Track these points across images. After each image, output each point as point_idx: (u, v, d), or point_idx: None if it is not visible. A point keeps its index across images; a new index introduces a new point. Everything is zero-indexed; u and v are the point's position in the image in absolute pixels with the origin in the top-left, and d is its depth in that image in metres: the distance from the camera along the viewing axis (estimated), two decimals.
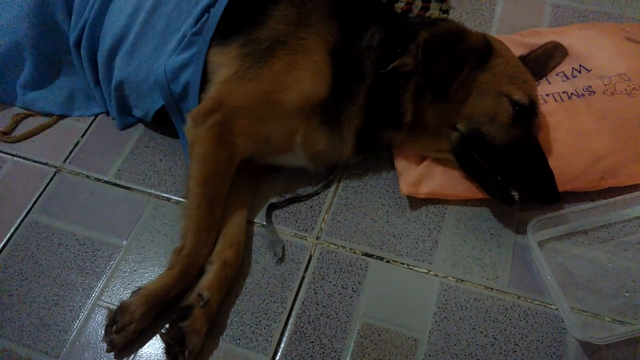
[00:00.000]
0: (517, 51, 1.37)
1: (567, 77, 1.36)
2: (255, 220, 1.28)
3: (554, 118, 1.29)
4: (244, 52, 1.20)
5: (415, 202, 1.29)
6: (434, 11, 1.62)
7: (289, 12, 1.23)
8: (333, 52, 1.20)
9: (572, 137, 1.26)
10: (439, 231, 1.25)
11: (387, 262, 1.20)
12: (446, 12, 1.64)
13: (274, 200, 1.31)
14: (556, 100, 1.32)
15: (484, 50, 1.16)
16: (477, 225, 1.25)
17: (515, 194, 1.16)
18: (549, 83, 1.36)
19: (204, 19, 1.27)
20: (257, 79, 1.18)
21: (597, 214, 1.22)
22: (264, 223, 1.27)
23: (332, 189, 1.33)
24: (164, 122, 1.38)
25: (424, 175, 1.26)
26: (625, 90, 1.28)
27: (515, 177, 1.15)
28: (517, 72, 1.19)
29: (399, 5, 1.64)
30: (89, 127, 1.49)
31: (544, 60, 1.38)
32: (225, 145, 1.18)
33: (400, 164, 1.30)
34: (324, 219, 1.28)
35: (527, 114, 1.16)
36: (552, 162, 1.18)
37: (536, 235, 1.19)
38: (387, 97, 1.21)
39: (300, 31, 1.21)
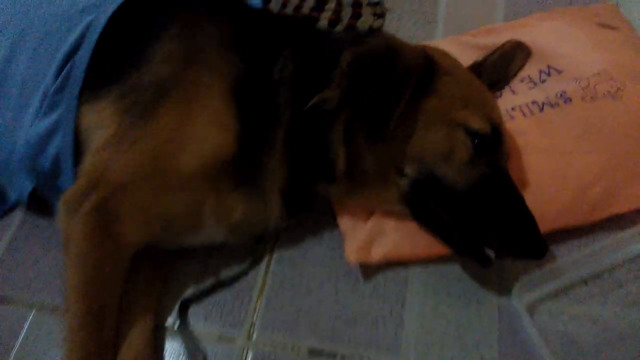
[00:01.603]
0: (469, 56, 1.10)
1: (534, 82, 1.09)
2: (166, 325, 0.99)
3: (525, 138, 1.02)
4: (123, 107, 0.92)
5: (369, 270, 1.01)
6: (367, 17, 1.35)
7: (175, 47, 0.95)
8: (237, 93, 0.92)
9: (550, 160, 0.99)
10: (402, 305, 0.98)
11: (342, 358, 0.92)
12: (381, 16, 1.36)
13: (189, 292, 1.02)
14: (525, 115, 1.05)
15: (426, 69, 0.89)
16: (449, 290, 0.98)
17: (490, 252, 0.89)
18: (514, 93, 1.09)
19: (66, 70, 0.97)
20: (141, 142, 0.90)
21: (598, 257, 0.96)
22: (178, 327, 0.98)
23: (263, 264, 1.05)
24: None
25: (374, 235, 0.99)
26: (609, 92, 1.02)
27: (485, 229, 0.88)
28: (471, 90, 0.93)
29: (326, 15, 1.37)
30: None
31: (503, 64, 1.11)
32: (108, 237, 0.89)
33: (344, 223, 1.02)
34: (255, 309, 0.99)
35: (491, 145, 0.89)
36: (529, 197, 0.92)
37: (525, 297, 0.93)
38: (312, 142, 0.94)
39: (191, 71, 0.94)
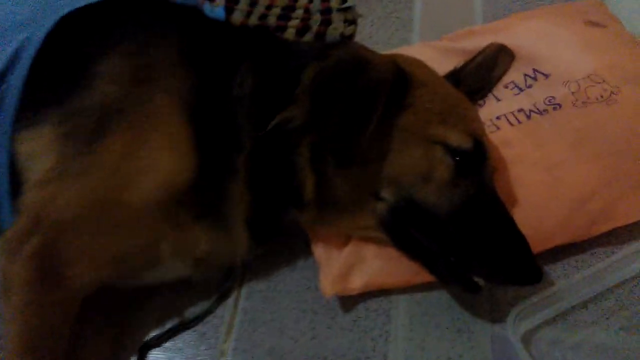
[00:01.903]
0: (448, 63, 1.02)
1: (519, 88, 1.01)
2: None
3: (513, 149, 0.94)
4: (64, 132, 0.81)
5: (348, 301, 0.92)
6: (337, 24, 1.26)
7: (123, 65, 0.85)
8: (193, 114, 0.83)
9: (543, 173, 0.91)
10: (386, 339, 0.88)
11: None
12: (353, 22, 1.28)
13: (149, 334, 0.92)
14: (512, 124, 0.97)
15: (398, 82, 0.80)
16: (437, 321, 0.89)
17: (479, 279, 0.80)
18: (498, 100, 1.01)
19: None
20: (86, 174, 0.79)
21: (599, 277, 0.88)
22: None
23: (231, 300, 0.95)
24: None
25: (352, 263, 0.90)
26: (601, 96, 0.93)
27: (473, 256, 0.79)
28: (450, 103, 0.84)
29: (294, 24, 1.28)
30: None
31: (485, 70, 1.03)
32: (54, 283, 0.78)
33: (319, 250, 0.93)
34: (223, 352, 0.90)
35: (474, 161, 0.81)
36: (520, 215, 0.84)
37: (521, 326, 0.84)
38: (277, 166, 0.84)
39: (141, 91, 0.83)
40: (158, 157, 0.81)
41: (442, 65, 1.00)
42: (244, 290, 0.96)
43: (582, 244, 0.92)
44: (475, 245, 0.79)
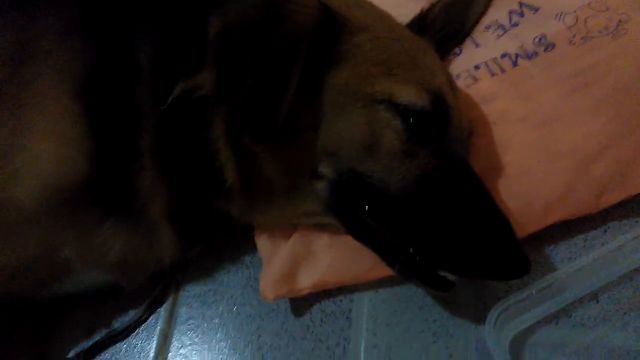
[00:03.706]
0: (412, 5, 0.83)
1: (503, 28, 0.81)
2: None
3: (495, 104, 0.75)
4: None
5: (300, 303, 0.76)
6: None
7: (8, 39, 0.72)
8: (86, 93, 0.68)
9: (534, 132, 0.72)
10: (344, 348, 0.72)
11: None
12: None
13: (76, 348, 0.79)
14: (493, 74, 0.78)
15: (326, 28, 0.62)
16: (407, 323, 0.72)
17: (449, 275, 0.63)
18: (477, 46, 0.82)
19: None
20: None
21: (610, 262, 0.68)
22: None
23: (167, 306, 0.80)
24: None
25: (299, 259, 0.74)
26: (606, 28, 0.73)
27: (437, 245, 0.61)
28: (399, 49, 0.66)
29: None
30: None
31: (459, 9, 0.84)
32: None
33: (263, 245, 0.78)
34: None
35: (433, 124, 0.63)
36: (510, 187, 0.68)
37: (506, 328, 0.66)
38: (189, 147, 0.69)
39: (27, 71, 0.70)
40: (43, 148, 0.68)
41: (411, 9, 0.82)
42: (181, 296, 0.81)
43: (591, 218, 0.72)
44: (439, 231, 0.61)
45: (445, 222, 0.61)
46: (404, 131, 0.62)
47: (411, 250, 0.63)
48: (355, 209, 0.66)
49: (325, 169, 0.65)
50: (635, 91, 0.69)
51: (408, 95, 0.62)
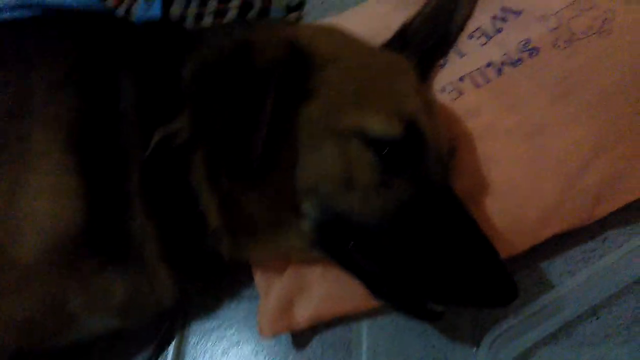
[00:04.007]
0: (400, 16, 0.81)
1: (487, 35, 0.78)
2: None
3: (481, 118, 0.73)
4: None
5: (301, 335, 0.76)
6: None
7: (2, 92, 0.73)
8: (76, 143, 0.70)
9: (521, 145, 0.70)
10: None
11: None
12: None
13: None
14: (478, 85, 0.75)
15: (294, 64, 0.62)
16: (407, 351, 0.71)
17: (436, 305, 0.61)
18: (461, 56, 0.79)
19: None
20: None
21: (609, 274, 0.65)
22: None
23: (175, 345, 0.82)
24: None
25: (294, 293, 0.74)
26: (591, 28, 0.69)
27: (420, 276, 0.60)
28: (370, 76, 0.64)
29: (235, 4, 1.11)
30: None
31: (442, 18, 0.81)
32: None
33: (259, 279, 0.78)
34: None
35: (409, 152, 0.61)
36: (499, 204, 0.66)
37: (503, 352, 0.64)
38: (173, 191, 0.69)
39: (19, 127, 0.72)
40: (40, 205, 0.69)
41: (398, 20, 0.81)
42: (187, 334, 0.83)
43: (588, 228, 0.69)
44: (421, 261, 0.60)
45: (427, 252, 0.60)
46: (378, 163, 0.61)
47: (397, 282, 0.62)
48: (344, 244, 0.65)
49: (308, 207, 0.65)
50: (623, 94, 0.66)
51: (379, 125, 0.60)
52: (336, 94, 0.62)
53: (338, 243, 0.65)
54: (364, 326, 0.74)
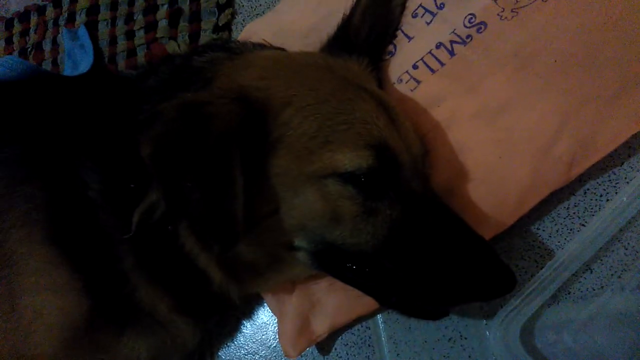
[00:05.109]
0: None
1: (431, 12, 0.76)
2: None
3: (443, 107, 0.73)
4: None
5: (324, 342, 0.81)
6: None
7: None
8: (55, 235, 0.70)
9: (486, 129, 0.71)
10: None
11: None
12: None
13: None
14: (433, 70, 0.74)
15: (249, 118, 0.61)
16: (424, 336, 0.77)
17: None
18: (410, 39, 0.77)
19: None
20: None
21: (597, 228, 0.69)
22: None
23: None
24: None
25: (307, 310, 0.78)
26: None
27: (421, 287, 0.63)
28: (327, 110, 0.63)
29: (162, 14, 1.05)
30: None
31: (380, 5, 0.78)
32: None
33: (272, 304, 0.81)
34: None
35: (385, 175, 0.62)
36: (478, 190, 0.68)
37: (513, 324, 0.69)
38: (170, 258, 0.71)
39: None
40: (41, 302, 0.71)
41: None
42: None
43: (569, 185, 0.71)
44: (420, 272, 0.63)
45: (424, 262, 0.62)
46: (358, 194, 0.61)
47: (400, 292, 0.65)
48: (340, 265, 0.67)
49: (300, 242, 0.66)
50: (577, 58, 0.66)
51: (350, 161, 0.60)
52: (300, 137, 0.62)
53: (336, 265, 0.68)
54: (380, 320, 0.79)
